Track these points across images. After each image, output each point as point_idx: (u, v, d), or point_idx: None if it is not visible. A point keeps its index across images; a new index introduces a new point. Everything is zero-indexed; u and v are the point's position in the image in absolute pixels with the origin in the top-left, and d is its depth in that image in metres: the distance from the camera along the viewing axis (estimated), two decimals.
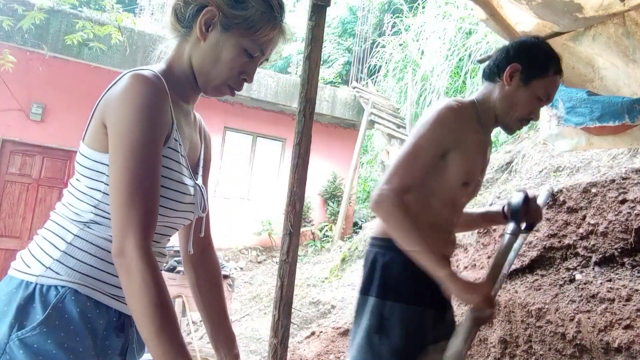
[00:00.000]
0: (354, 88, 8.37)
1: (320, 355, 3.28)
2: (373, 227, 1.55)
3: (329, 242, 7.52)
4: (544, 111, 2.43)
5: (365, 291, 1.41)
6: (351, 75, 9.16)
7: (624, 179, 2.67)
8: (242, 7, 0.91)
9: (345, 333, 3.52)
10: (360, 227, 7.44)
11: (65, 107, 5.98)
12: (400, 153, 1.35)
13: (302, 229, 6.63)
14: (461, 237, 3.69)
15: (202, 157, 1.08)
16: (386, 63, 10.00)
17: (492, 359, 2.75)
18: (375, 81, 10.30)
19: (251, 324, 4.99)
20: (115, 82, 0.88)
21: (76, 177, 0.91)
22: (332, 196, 8.10)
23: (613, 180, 2.69)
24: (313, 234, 7.87)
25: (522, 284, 2.81)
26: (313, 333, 3.68)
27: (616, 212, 2.57)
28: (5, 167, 5.82)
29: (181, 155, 0.94)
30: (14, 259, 0.93)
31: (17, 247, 5.82)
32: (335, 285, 5.12)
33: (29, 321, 0.81)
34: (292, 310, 2.25)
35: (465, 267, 3.36)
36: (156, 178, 0.85)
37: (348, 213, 7.83)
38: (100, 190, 0.87)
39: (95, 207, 0.88)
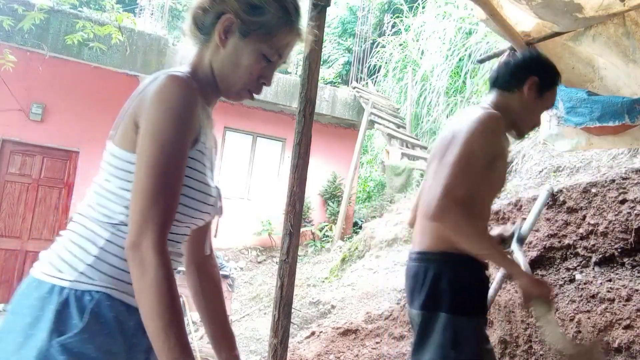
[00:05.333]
0: (354, 88, 8.37)
1: (320, 355, 3.28)
2: (420, 241, 1.50)
3: (329, 242, 7.52)
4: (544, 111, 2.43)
5: (432, 308, 1.42)
6: (351, 75, 9.16)
7: (624, 179, 2.66)
8: (259, 12, 0.93)
9: (345, 333, 3.52)
10: (360, 227, 7.44)
11: (65, 107, 5.98)
12: (451, 161, 1.34)
13: (302, 229, 6.62)
14: None
15: (214, 160, 1.11)
16: (386, 63, 10.00)
17: None
18: (375, 81, 10.30)
19: (251, 324, 4.99)
20: (149, 83, 0.89)
21: (105, 178, 0.91)
22: (332, 196, 8.09)
23: (613, 180, 2.69)
24: (313, 234, 7.87)
25: None
26: (313, 333, 3.68)
27: (616, 212, 2.57)
28: (5, 167, 5.82)
29: (206, 157, 0.96)
30: (37, 260, 0.93)
31: (17, 247, 5.82)
32: (335, 285, 5.12)
33: (67, 327, 0.82)
34: (292, 310, 2.24)
35: None
36: (180, 178, 0.86)
37: (348, 213, 7.83)
38: (130, 191, 0.87)
39: (127, 207, 0.87)
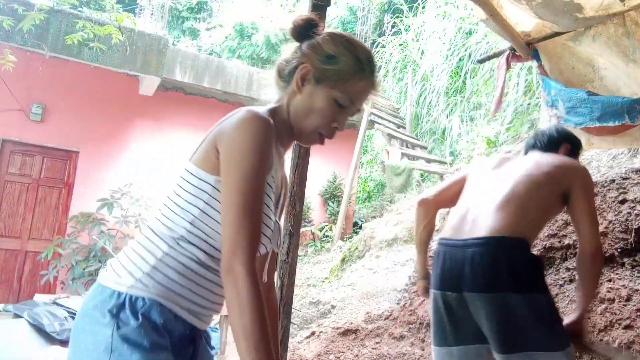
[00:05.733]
0: None
1: (320, 355, 3.28)
2: (498, 227, 1.58)
3: (329, 242, 7.52)
4: (544, 111, 2.44)
5: (528, 289, 1.51)
6: None
7: (624, 179, 2.67)
8: (333, 62, 1.02)
9: (345, 333, 3.52)
10: (360, 227, 7.44)
11: (65, 107, 5.98)
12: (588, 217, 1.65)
13: (302, 229, 6.60)
14: None
15: (281, 198, 1.19)
16: (386, 63, 9.99)
17: None
18: None
19: None
20: (230, 115, 0.98)
21: (176, 192, 0.98)
22: (332, 196, 8.09)
23: (613, 180, 2.69)
24: (313, 234, 7.86)
25: None
26: (313, 333, 3.68)
27: (616, 212, 2.57)
28: (5, 167, 5.81)
29: (273, 191, 1.03)
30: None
31: (17, 247, 5.82)
32: (335, 285, 5.12)
33: (124, 325, 0.90)
34: (292, 310, 2.24)
35: None
36: (262, 205, 0.94)
37: (348, 213, 7.83)
38: (198, 207, 0.95)
39: (191, 223, 0.95)
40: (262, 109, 1.03)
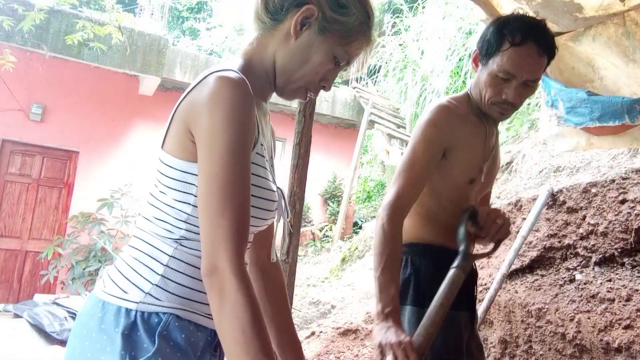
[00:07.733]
0: (354, 88, 8.37)
1: (320, 355, 3.28)
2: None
3: (329, 242, 7.52)
4: (544, 111, 2.43)
5: (401, 302, 1.25)
6: (351, 75, 9.15)
7: (624, 179, 2.67)
8: (344, 12, 0.86)
9: (345, 333, 3.52)
10: (360, 227, 7.44)
11: (65, 107, 5.99)
12: (400, 161, 1.32)
13: (302, 229, 6.61)
14: None
15: (273, 157, 1.04)
16: (386, 63, 9.99)
17: (492, 359, 2.75)
18: (375, 81, 10.29)
19: None
20: (197, 85, 0.82)
21: (160, 190, 0.86)
22: (332, 196, 8.09)
23: (613, 180, 2.69)
24: (313, 234, 7.86)
25: (522, 284, 2.81)
26: (313, 333, 3.68)
27: (616, 212, 2.57)
28: (5, 167, 5.82)
29: (266, 159, 0.90)
30: (102, 279, 0.88)
31: (17, 247, 5.82)
32: (335, 285, 5.12)
33: (138, 351, 0.77)
34: (292, 310, 2.25)
35: None
36: (247, 188, 0.79)
37: (348, 213, 7.83)
38: (189, 203, 0.83)
39: (185, 221, 0.83)
40: (233, 66, 0.86)
